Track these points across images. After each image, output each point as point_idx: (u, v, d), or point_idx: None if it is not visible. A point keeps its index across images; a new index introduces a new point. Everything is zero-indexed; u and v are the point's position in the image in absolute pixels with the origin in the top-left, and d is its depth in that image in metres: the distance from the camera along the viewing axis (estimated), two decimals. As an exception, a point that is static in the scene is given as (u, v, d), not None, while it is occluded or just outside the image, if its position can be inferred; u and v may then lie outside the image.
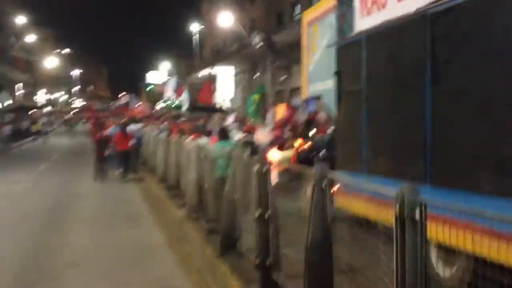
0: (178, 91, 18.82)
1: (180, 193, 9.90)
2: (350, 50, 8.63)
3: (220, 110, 37.90)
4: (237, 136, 13.84)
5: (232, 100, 51.98)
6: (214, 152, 9.06)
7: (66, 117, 60.06)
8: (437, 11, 6.25)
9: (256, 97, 21.68)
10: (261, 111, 27.24)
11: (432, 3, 6.36)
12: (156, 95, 67.85)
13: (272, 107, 30.47)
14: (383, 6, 7.50)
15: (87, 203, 13.71)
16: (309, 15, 10.80)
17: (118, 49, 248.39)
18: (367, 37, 7.91)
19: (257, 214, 5.04)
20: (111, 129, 19.72)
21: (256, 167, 5.23)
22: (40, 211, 12.55)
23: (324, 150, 10.77)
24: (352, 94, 8.58)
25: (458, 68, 6.02)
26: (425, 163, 6.41)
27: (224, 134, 10.47)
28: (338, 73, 9.03)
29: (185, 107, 18.00)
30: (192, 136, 11.16)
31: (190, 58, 67.86)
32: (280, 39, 33.26)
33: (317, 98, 10.58)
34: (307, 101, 30.61)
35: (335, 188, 8.91)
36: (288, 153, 14.63)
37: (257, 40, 32.59)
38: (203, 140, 11.54)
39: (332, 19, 9.49)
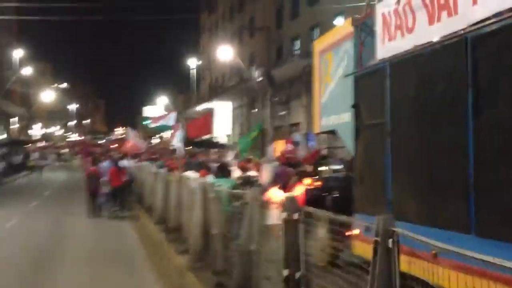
0: (175, 127, 17.95)
1: (181, 237, 8.94)
2: (371, 80, 7.85)
3: (218, 145, 37.06)
4: (236, 173, 12.94)
5: (229, 135, 51.35)
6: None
7: (61, 151, 59.12)
8: (479, 34, 5.48)
9: (254, 134, 20.90)
10: (258, 146, 26.43)
11: (472, 25, 5.59)
12: (152, 130, 67.26)
13: (271, 143, 29.82)
14: (410, 30, 6.73)
15: (78, 244, 12.68)
16: (322, 42, 10.04)
17: (116, 83, 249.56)
18: (392, 65, 7.13)
19: (285, 274, 4.10)
20: (103, 164, 18.86)
21: (283, 215, 4.33)
22: (26, 253, 11.51)
23: (338, 190, 9.91)
24: (373, 128, 7.75)
25: (505, 97, 5.22)
26: (468, 209, 5.52)
27: (223, 170, 9.62)
28: (357, 105, 8.23)
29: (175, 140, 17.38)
30: (199, 174, 10.27)
31: (187, 92, 67.54)
32: (279, 73, 32.75)
33: (331, 132, 9.74)
34: (307, 136, 29.94)
35: (353, 232, 8.03)
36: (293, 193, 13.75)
37: (256, 75, 32.04)
38: (192, 174, 10.68)
39: (348, 46, 8.73)
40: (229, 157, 21.22)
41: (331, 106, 9.48)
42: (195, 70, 59.01)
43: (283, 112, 32.49)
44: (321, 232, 8.78)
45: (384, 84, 7.37)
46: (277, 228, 7.47)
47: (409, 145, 6.90)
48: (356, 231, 7.89)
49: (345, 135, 8.95)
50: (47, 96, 73.21)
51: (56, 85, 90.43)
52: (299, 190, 12.50)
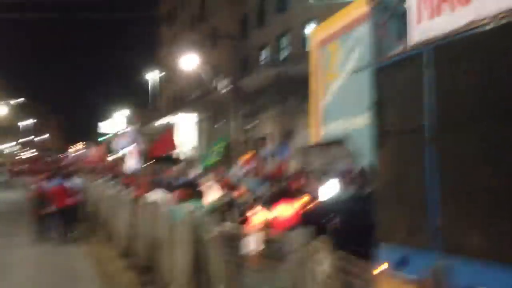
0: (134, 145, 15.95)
1: (156, 278, 6.82)
2: (401, 71, 6.05)
3: (176, 161, 34.87)
4: (213, 193, 10.89)
5: (194, 149, 49.13)
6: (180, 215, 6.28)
7: (13, 169, 55.45)
8: None
9: (218, 147, 18.96)
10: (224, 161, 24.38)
11: None
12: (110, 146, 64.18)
13: (239, 157, 27.91)
14: (465, 1, 4.97)
15: (17, 277, 10.42)
16: (321, 32, 8.26)
17: (71, 98, 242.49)
18: (438, 49, 5.36)
19: None
20: (48, 183, 16.52)
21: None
22: None
23: (346, 212, 8.05)
24: (405, 134, 5.95)
25: None
26: None
27: (195, 190, 7.67)
28: (378, 106, 6.42)
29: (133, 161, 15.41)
30: (176, 195, 8.18)
31: (145, 107, 64.96)
32: (246, 84, 31.04)
33: (338, 142, 7.89)
34: (281, 146, 28.16)
35: (380, 268, 6.24)
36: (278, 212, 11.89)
37: (221, 86, 30.17)
38: (158, 194, 8.70)
39: (362, 32, 6.95)
40: (192, 173, 19.22)
41: (338, 109, 7.68)
42: (153, 83, 56.61)
43: (251, 125, 30.66)
44: (324, 266, 7.04)
45: (422, 76, 5.58)
46: (257, 257, 5.69)
47: (466, 155, 5.10)
48: (383, 266, 6.11)
49: (359, 144, 7.11)
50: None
51: (8, 101, 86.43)
52: (287, 211, 10.62)
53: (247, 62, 37.13)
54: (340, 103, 7.55)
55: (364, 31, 6.95)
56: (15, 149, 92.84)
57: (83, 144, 37.22)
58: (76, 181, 17.39)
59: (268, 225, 10.24)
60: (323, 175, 18.01)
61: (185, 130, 45.18)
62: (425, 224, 5.60)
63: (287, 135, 28.91)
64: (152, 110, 58.61)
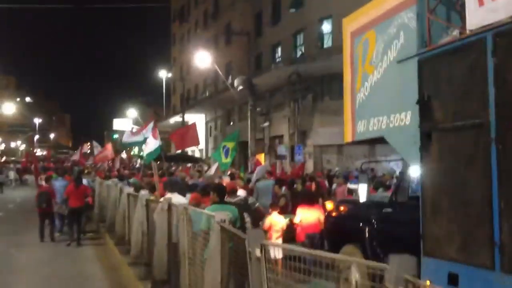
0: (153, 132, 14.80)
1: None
2: (456, 61, 5.31)
3: (193, 159, 34.19)
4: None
5: (202, 149, 48.58)
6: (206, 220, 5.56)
7: (23, 167, 55.12)
8: None
9: (230, 144, 18.11)
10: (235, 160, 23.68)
11: None
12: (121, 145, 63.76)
13: (252, 156, 27.22)
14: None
15: (23, 280, 9.76)
16: (356, 20, 7.49)
17: (82, 97, 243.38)
18: (504, 34, 4.62)
19: None
20: (57, 182, 15.93)
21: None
22: None
23: (380, 220, 7.28)
24: (462, 133, 5.20)
25: None
26: None
27: (222, 194, 6.93)
28: (426, 101, 5.69)
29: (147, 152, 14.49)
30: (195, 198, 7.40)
31: (157, 105, 64.53)
32: (260, 82, 30.31)
33: (377, 140, 7.12)
34: (295, 149, 27.38)
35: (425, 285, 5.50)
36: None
37: (236, 84, 29.46)
38: (177, 198, 7.98)
39: (406, 18, 6.21)
40: (211, 172, 18.48)
41: (375, 105, 6.91)
42: (165, 82, 56.06)
43: (265, 124, 29.92)
44: (354, 273, 6.18)
45: (485, 66, 4.85)
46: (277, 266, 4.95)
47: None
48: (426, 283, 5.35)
49: (402, 143, 6.36)
50: (8, 109, 69.29)
51: (18, 99, 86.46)
52: (309, 216, 9.88)
53: (260, 60, 36.41)
54: (379, 97, 6.78)
55: (409, 17, 6.21)
56: (26, 147, 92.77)
57: (88, 144, 36.63)
58: (86, 181, 16.85)
59: (289, 231, 9.54)
60: (353, 177, 17.18)
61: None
62: (485, 238, 4.87)
63: (302, 135, 28.17)
64: (164, 109, 58.12)
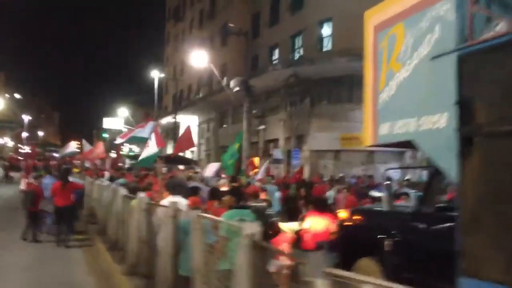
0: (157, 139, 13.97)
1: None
2: (505, 57, 4.72)
3: (187, 160, 33.49)
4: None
5: (193, 151, 47.80)
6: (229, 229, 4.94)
7: (9, 164, 53.97)
8: None
9: (236, 146, 17.65)
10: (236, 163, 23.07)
11: None
12: (111, 143, 62.75)
13: (247, 160, 26.52)
14: None
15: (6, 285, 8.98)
16: (382, 12, 6.86)
17: (72, 95, 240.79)
18: None
19: None
20: (45, 180, 15.37)
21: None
22: None
23: (405, 232, 6.65)
24: (511, 138, 4.60)
25: None
26: None
27: (239, 197, 6.34)
28: (467, 101, 5.08)
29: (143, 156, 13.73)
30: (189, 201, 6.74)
31: (149, 105, 63.63)
32: (256, 84, 29.63)
33: (403, 144, 6.50)
34: (291, 153, 26.73)
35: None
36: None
37: (232, 85, 28.79)
38: (179, 199, 7.33)
39: (443, 10, 5.61)
40: (208, 173, 17.81)
41: (402, 106, 6.30)
42: (159, 81, 55.23)
43: (261, 127, 29.28)
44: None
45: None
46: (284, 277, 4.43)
47: None
48: None
49: (434, 148, 5.75)
50: (-4, 104, 68.08)
51: (7, 95, 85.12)
52: (319, 224, 9.25)
53: (256, 62, 35.80)
54: (408, 98, 6.17)
55: (445, 8, 5.60)
56: (13, 144, 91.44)
57: (78, 142, 35.47)
58: (75, 179, 16.15)
59: (297, 239, 8.94)
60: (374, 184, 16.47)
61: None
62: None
63: (298, 139, 27.56)
64: (155, 109, 57.26)
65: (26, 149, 74.43)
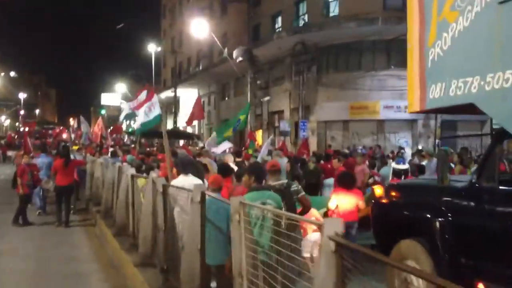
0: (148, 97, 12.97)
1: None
2: None
3: (187, 135, 32.50)
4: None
5: (195, 126, 46.79)
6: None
7: (6, 142, 52.99)
8: None
9: (242, 117, 16.70)
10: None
11: None
12: (115, 117, 61.61)
13: (252, 132, 25.56)
14: None
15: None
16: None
17: (68, 71, 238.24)
18: None
19: None
20: (39, 158, 14.61)
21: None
22: None
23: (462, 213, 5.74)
24: None
25: None
26: None
27: (261, 176, 5.41)
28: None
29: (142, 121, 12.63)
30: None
31: (147, 80, 62.30)
32: (260, 54, 28.51)
33: (460, 108, 5.54)
34: (298, 125, 25.72)
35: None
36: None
37: (235, 55, 27.65)
38: (188, 180, 6.43)
39: None
40: (220, 150, 16.82)
41: (460, 62, 5.30)
42: (156, 55, 53.89)
43: (266, 98, 28.21)
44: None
45: None
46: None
47: None
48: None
49: (503, 111, 4.77)
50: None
51: (2, 74, 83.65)
52: (349, 202, 8.35)
53: (258, 31, 34.51)
54: (467, 52, 5.18)
55: None
56: (10, 122, 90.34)
57: (74, 118, 33.72)
58: (76, 157, 15.29)
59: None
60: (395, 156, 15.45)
61: (186, 105, 42.62)
62: None
63: (304, 110, 26.52)
64: (153, 83, 56.00)
65: (23, 127, 73.39)
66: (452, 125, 24.25)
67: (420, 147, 22.84)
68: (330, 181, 13.40)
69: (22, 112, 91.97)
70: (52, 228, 12.14)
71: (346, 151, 19.87)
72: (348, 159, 14.47)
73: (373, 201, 7.72)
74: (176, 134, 34.26)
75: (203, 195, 4.43)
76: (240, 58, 26.62)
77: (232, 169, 8.09)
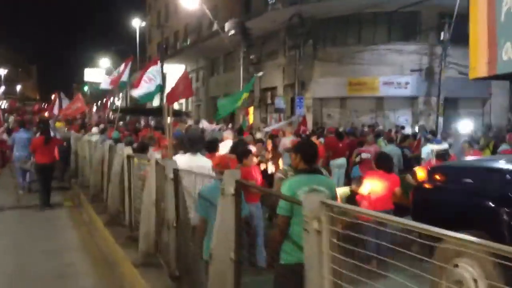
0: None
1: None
2: None
3: (178, 112, 31.15)
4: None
5: (182, 104, 45.36)
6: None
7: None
8: None
9: (245, 95, 15.51)
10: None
11: None
12: (98, 93, 59.73)
13: (244, 110, 24.36)
14: None
15: None
16: None
17: (49, 47, 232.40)
18: None
19: None
20: (17, 134, 13.50)
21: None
22: None
23: None
24: None
25: None
26: None
27: (313, 158, 4.33)
28: None
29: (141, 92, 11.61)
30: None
31: (132, 55, 60.42)
32: (253, 27, 27.12)
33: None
34: (295, 101, 24.54)
35: None
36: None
37: (227, 28, 26.27)
38: (195, 160, 5.38)
39: None
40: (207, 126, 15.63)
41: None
42: (139, 31, 52.05)
43: (260, 74, 26.91)
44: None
45: None
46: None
47: None
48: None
49: None
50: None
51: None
52: (384, 187, 7.29)
53: (249, 3, 33.00)
54: None
55: None
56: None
57: (56, 94, 31.81)
58: (58, 134, 14.14)
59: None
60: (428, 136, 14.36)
61: (173, 82, 41.20)
62: None
63: (300, 86, 25.32)
64: (140, 59, 54.21)
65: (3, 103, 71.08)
66: (454, 102, 23.33)
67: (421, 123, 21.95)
68: (341, 161, 12.41)
69: (3, 88, 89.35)
70: (31, 213, 10.92)
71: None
72: (328, 138, 13.51)
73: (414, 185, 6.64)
74: (161, 111, 32.93)
75: (238, 185, 3.30)
76: (232, 31, 25.24)
77: (250, 150, 6.95)
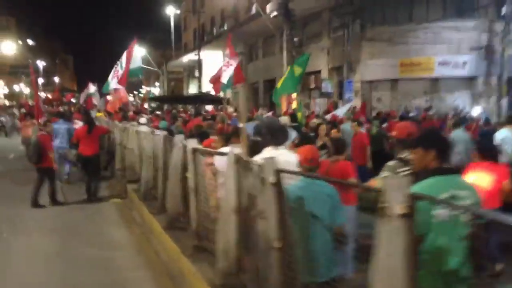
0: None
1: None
2: None
3: (218, 99, 30.18)
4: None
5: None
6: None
7: (23, 111, 51.09)
8: None
9: (299, 70, 14.61)
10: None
11: None
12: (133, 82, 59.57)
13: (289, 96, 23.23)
14: None
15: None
16: None
17: (85, 37, 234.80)
18: None
19: None
20: (56, 125, 12.83)
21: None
22: None
23: None
24: None
25: None
26: None
27: (446, 153, 3.23)
28: None
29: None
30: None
31: (166, 44, 59.74)
32: (295, 8, 25.83)
33: None
34: (344, 85, 23.26)
35: None
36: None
37: (268, 10, 25.08)
38: (281, 155, 4.37)
39: None
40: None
41: None
42: (174, 19, 51.23)
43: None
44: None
45: None
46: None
47: None
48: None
49: None
50: (8, 48, 65.32)
51: (19, 41, 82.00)
52: (489, 181, 6.10)
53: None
54: None
55: None
56: (30, 90, 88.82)
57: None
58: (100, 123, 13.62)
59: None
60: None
61: (210, 69, 40.17)
62: None
63: (347, 69, 24.00)
64: (174, 47, 53.46)
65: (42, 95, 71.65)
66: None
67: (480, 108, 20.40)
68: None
69: (41, 80, 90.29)
70: (78, 208, 10.22)
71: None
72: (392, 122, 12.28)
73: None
74: (201, 98, 32.01)
75: (277, 173, 2.29)
76: (275, 13, 24.00)
77: (345, 141, 5.88)
